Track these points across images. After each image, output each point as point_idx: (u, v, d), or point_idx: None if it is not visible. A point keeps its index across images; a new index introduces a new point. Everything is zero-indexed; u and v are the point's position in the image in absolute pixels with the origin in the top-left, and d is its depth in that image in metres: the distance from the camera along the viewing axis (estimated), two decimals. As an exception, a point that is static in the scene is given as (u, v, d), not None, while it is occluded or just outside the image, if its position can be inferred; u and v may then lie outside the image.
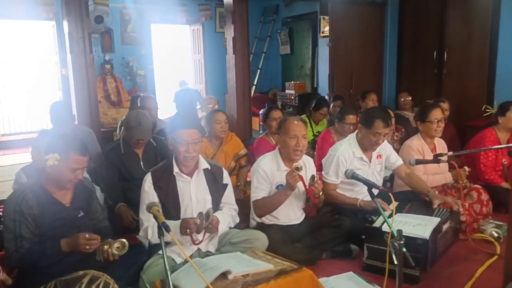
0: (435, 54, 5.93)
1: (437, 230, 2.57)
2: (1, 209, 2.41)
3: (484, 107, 4.24)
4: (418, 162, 3.18)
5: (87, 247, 2.07)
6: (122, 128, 3.95)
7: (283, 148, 2.83)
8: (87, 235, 2.08)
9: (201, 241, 2.39)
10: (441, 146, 3.62)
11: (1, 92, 7.73)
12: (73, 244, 2.09)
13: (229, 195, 2.65)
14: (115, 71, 7.56)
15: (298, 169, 2.58)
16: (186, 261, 2.21)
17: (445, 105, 4.44)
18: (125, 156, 3.35)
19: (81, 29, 4.20)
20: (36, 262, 2.08)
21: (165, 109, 7.06)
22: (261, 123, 6.56)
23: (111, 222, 2.66)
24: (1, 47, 7.78)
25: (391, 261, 1.92)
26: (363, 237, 2.69)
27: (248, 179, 3.86)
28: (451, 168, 3.47)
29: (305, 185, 2.69)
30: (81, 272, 1.76)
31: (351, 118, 4.05)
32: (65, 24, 4.25)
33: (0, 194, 3.31)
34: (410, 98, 5.29)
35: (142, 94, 5.87)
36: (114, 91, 7.46)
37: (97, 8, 6.85)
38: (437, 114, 3.45)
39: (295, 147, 2.75)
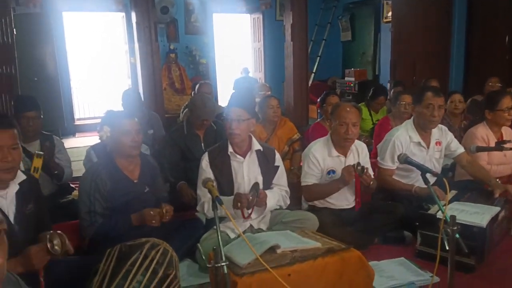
0: (507, 39, 5.54)
1: (494, 219, 2.48)
2: (78, 185, 2.67)
3: None
4: (479, 149, 3.06)
5: (153, 221, 2.30)
6: (185, 111, 4.16)
7: (334, 135, 2.84)
8: (151, 212, 2.31)
9: (250, 214, 2.48)
10: (508, 135, 3.41)
11: (77, 80, 8.36)
12: (141, 219, 2.33)
13: (280, 177, 2.72)
14: (179, 59, 7.87)
15: (358, 169, 2.61)
16: (239, 236, 2.32)
17: None
18: (187, 137, 3.53)
19: (147, 19, 4.46)
20: (107, 234, 2.30)
21: (226, 96, 7.26)
22: (318, 109, 6.55)
23: (172, 199, 2.84)
24: (77, 37, 8.40)
25: (446, 248, 1.90)
26: (417, 224, 2.66)
27: (301, 163, 3.91)
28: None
29: (358, 182, 2.72)
30: (143, 239, 1.94)
31: (406, 97, 3.99)
32: (133, 14, 4.55)
33: (76, 171, 3.64)
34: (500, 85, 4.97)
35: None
36: (178, 79, 7.79)
37: (163, -1, 7.18)
38: (508, 102, 3.28)
39: (344, 135, 2.74)
